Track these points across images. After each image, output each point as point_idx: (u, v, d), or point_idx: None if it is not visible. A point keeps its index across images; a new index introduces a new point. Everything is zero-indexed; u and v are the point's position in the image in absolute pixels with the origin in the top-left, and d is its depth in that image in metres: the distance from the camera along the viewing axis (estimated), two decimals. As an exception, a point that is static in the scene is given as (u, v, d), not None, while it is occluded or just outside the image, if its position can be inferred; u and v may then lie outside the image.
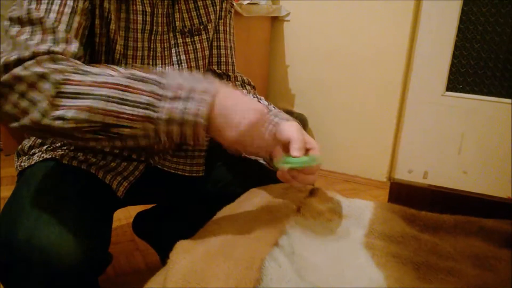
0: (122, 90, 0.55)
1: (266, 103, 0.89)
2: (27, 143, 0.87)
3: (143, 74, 0.57)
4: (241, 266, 0.56)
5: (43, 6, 0.64)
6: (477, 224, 0.74)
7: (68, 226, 0.64)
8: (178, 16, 0.84)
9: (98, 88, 0.55)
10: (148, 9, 0.78)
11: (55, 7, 0.65)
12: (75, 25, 0.66)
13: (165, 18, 0.82)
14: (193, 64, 0.87)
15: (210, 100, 0.56)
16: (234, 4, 1.74)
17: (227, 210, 0.74)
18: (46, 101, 0.55)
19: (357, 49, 2.02)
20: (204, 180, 0.92)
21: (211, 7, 0.89)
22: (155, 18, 0.80)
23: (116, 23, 0.76)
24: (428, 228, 0.74)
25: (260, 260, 0.57)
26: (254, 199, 0.76)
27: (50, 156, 0.81)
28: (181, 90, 0.55)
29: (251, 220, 0.69)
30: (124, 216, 1.60)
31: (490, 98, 1.82)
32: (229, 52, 0.95)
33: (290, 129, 0.73)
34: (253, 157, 0.88)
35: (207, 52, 0.90)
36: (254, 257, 0.58)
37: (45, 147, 0.84)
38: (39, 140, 0.85)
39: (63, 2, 0.66)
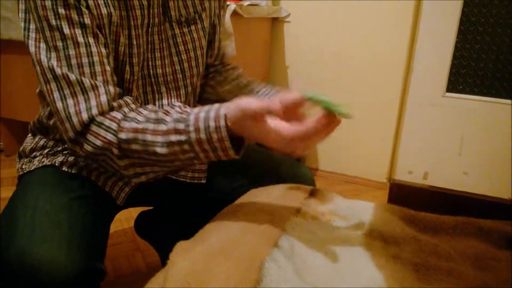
0: (166, 159, 0.66)
1: (257, 83, 0.93)
2: (28, 145, 0.86)
3: (172, 138, 0.64)
4: (241, 267, 0.56)
5: (61, 54, 0.68)
6: (477, 225, 0.74)
7: (62, 242, 0.64)
8: (172, 5, 0.81)
9: (146, 156, 0.67)
10: (145, 2, 0.76)
11: (71, 52, 0.68)
12: (96, 58, 0.70)
13: (160, 8, 0.80)
14: (191, 54, 0.86)
15: (229, 145, 0.63)
16: (235, 6, 1.74)
17: (227, 211, 0.74)
18: (117, 167, 0.70)
19: (357, 50, 2.03)
20: (206, 187, 0.92)
21: None
22: (151, 10, 0.78)
23: (119, 22, 0.74)
24: (427, 229, 0.74)
25: (260, 261, 0.58)
26: (254, 200, 0.76)
27: (50, 163, 0.81)
28: (205, 145, 0.63)
29: (251, 221, 0.69)
30: (125, 217, 1.60)
31: (491, 99, 1.82)
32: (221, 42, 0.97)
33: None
34: None
35: (203, 41, 0.89)
36: (254, 257, 0.58)
37: (46, 151, 0.83)
38: (41, 143, 0.85)
39: (75, 41, 0.68)
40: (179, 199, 0.94)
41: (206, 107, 0.64)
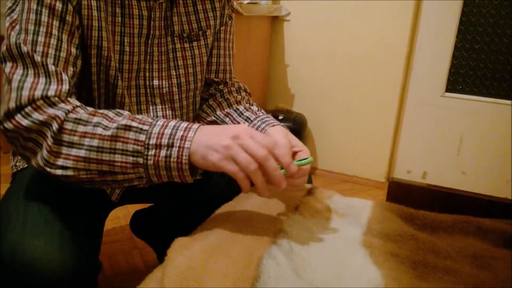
0: (110, 141, 0.60)
1: (256, 108, 0.89)
2: None
3: (129, 122, 0.61)
4: (239, 264, 0.56)
5: (29, 37, 0.64)
6: (475, 224, 0.74)
7: (54, 238, 0.63)
8: (176, 19, 0.81)
9: (90, 139, 0.60)
10: (145, 13, 0.76)
11: (41, 39, 0.65)
12: (63, 54, 0.66)
13: (162, 22, 0.80)
14: (190, 70, 0.86)
15: (190, 145, 0.60)
16: (235, 4, 1.74)
17: (226, 208, 0.74)
18: (46, 150, 0.61)
19: (356, 49, 2.03)
20: (201, 183, 0.91)
21: (211, 12, 0.86)
22: (152, 22, 0.78)
23: (111, 28, 0.74)
24: (426, 227, 0.74)
25: (258, 258, 0.57)
26: (252, 197, 0.76)
27: None
28: (163, 138, 0.60)
29: (249, 218, 0.69)
30: (123, 215, 1.60)
31: (490, 99, 1.82)
32: (227, 60, 0.94)
33: (275, 134, 0.76)
34: None
35: (205, 58, 0.88)
36: (252, 255, 0.58)
37: None
38: None
39: (49, 31, 0.65)
40: (175, 196, 0.94)
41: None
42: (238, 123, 0.87)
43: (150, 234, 1.16)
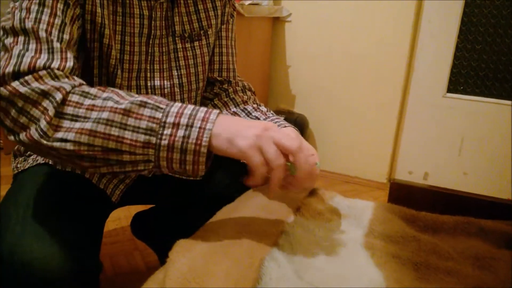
0: (122, 114, 0.55)
1: (265, 109, 0.88)
2: None
3: (144, 99, 0.57)
4: (240, 266, 0.56)
5: (33, 15, 0.62)
6: (477, 225, 0.74)
7: (53, 239, 0.62)
8: (177, 19, 0.81)
9: (98, 112, 0.55)
10: (146, 13, 0.76)
11: (45, 17, 0.63)
12: (66, 36, 0.64)
13: (163, 22, 0.80)
14: (192, 70, 0.86)
15: (212, 127, 0.55)
16: (236, 5, 1.74)
17: (227, 210, 0.74)
18: (45, 121, 0.55)
19: (358, 50, 2.02)
20: (202, 183, 0.91)
21: (212, 11, 0.86)
22: (153, 22, 0.78)
23: (112, 27, 0.74)
24: (427, 228, 0.74)
25: (259, 260, 0.57)
26: (254, 199, 0.76)
27: (44, 161, 0.80)
28: (182, 117, 0.55)
29: (250, 220, 0.69)
30: (124, 216, 1.60)
31: (491, 99, 1.82)
32: (230, 58, 0.93)
33: None
34: None
35: (207, 58, 0.88)
36: (253, 256, 0.58)
37: None
38: None
39: (53, 12, 0.64)
40: (176, 196, 0.94)
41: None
42: None
43: (151, 236, 1.16)
